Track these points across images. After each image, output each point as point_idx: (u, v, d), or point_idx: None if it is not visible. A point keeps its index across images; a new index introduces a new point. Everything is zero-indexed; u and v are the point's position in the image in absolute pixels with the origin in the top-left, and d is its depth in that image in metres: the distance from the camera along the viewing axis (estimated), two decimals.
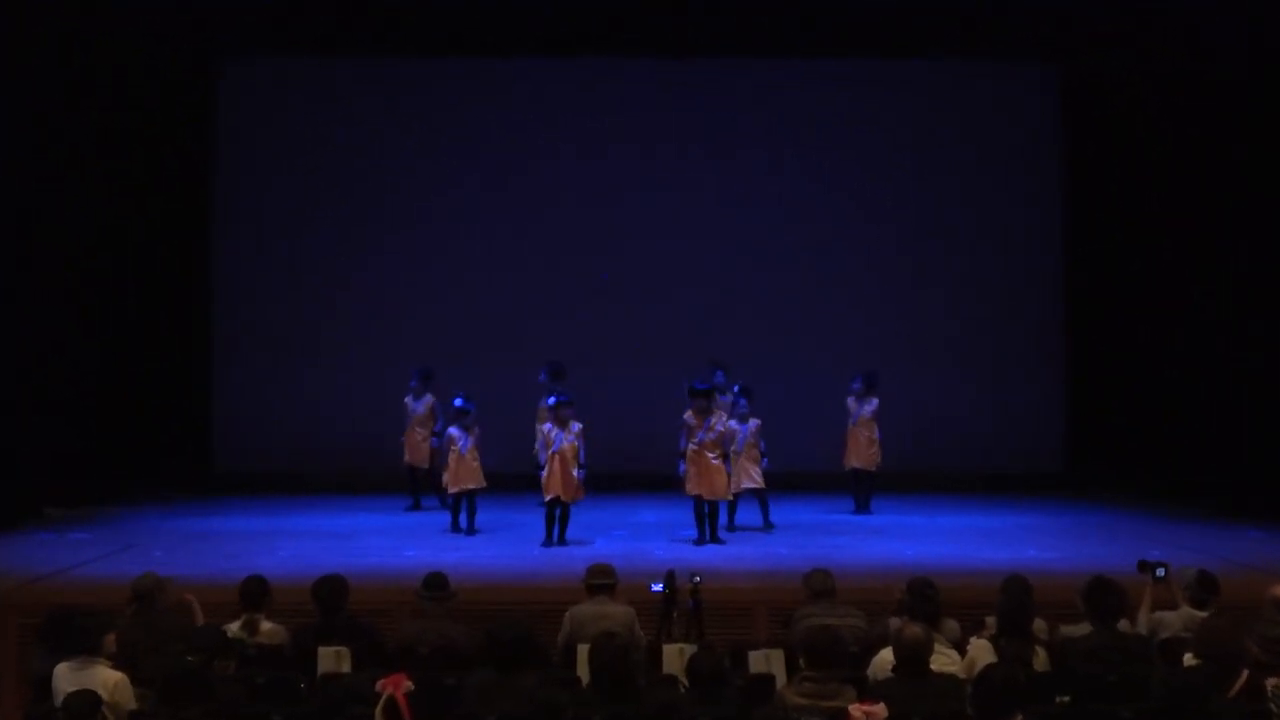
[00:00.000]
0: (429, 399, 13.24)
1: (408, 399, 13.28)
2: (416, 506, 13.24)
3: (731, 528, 11.81)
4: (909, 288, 15.42)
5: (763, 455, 11.93)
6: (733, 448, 11.70)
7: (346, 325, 15.17)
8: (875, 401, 13.29)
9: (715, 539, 11.26)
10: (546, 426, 11.30)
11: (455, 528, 11.91)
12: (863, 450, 13.22)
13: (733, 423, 11.78)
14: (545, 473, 11.21)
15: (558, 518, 11.20)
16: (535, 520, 12.34)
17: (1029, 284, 15.53)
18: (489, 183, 15.33)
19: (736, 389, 11.97)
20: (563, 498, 11.15)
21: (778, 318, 15.30)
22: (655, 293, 15.28)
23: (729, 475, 11.31)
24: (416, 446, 13.21)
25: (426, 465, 13.19)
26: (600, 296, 15.30)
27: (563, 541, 11.18)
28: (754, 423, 11.92)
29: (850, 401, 13.32)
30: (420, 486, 13.26)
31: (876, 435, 13.21)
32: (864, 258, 15.44)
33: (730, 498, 11.35)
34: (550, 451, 11.20)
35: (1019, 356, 15.45)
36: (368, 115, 15.34)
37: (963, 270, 15.48)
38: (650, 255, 15.30)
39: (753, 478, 11.84)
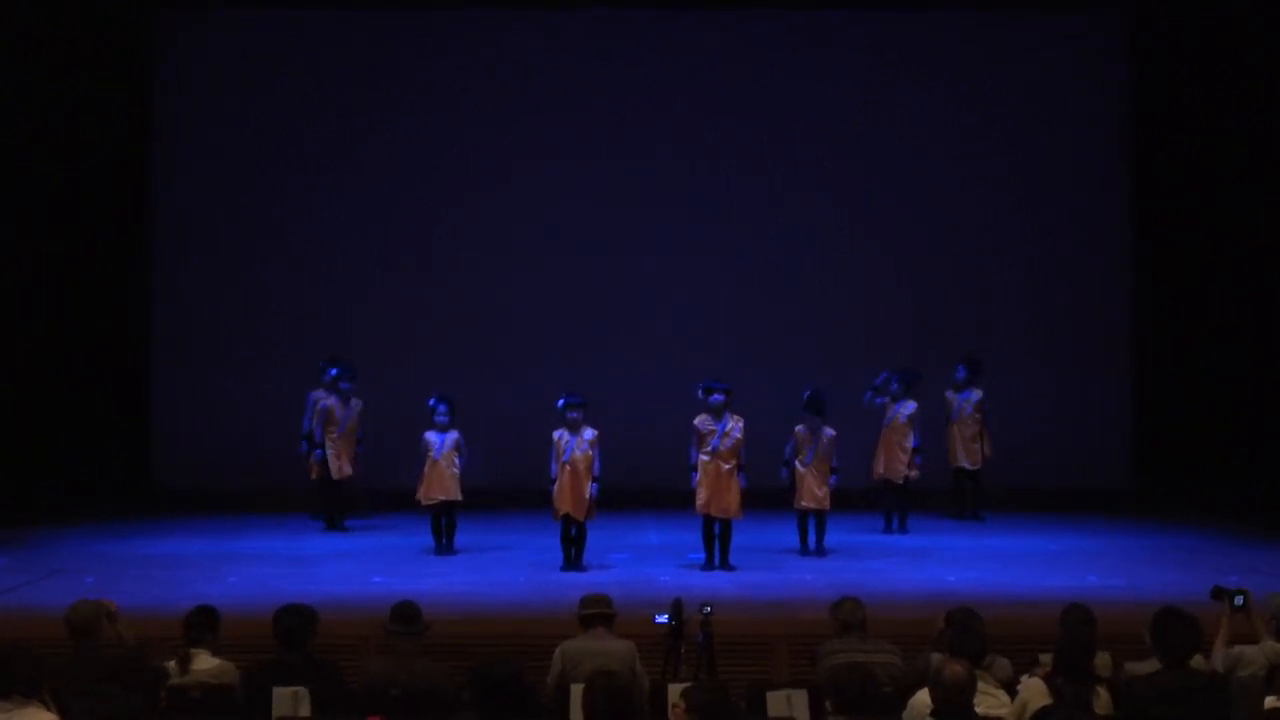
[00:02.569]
0: (358, 403, 13.32)
1: (331, 402, 13.22)
2: (336, 525, 13.29)
3: (820, 550, 11.95)
4: (952, 277, 15.39)
5: (832, 471, 12.01)
6: (800, 459, 11.89)
7: (301, 327, 15.13)
8: (913, 404, 13.32)
9: (726, 564, 11.30)
10: (558, 434, 11.37)
11: (441, 548, 11.99)
12: (896, 459, 13.27)
13: (802, 429, 11.94)
14: (555, 486, 11.28)
15: (573, 537, 11.28)
16: (522, 541, 12.42)
17: (1092, 271, 15.48)
18: (464, 165, 15.32)
19: (807, 395, 12.00)
20: (573, 515, 11.19)
21: (801, 311, 15.30)
22: (662, 282, 15.29)
23: (744, 489, 11.35)
24: (352, 457, 13.29)
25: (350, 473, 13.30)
26: (597, 286, 15.31)
27: (579, 566, 11.24)
28: (828, 433, 11.98)
29: (882, 402, 13.38)
30: (353, 503, 13.37)
31: (912, 443, 13.27)
32: (901, 243, 15.41)
33: (742, 515, 11.39)
34: (561, 461, 11.27)
35: (1079, 354, 15.41)
36: (325, 88, 15.34)
37: (1014, 257, 15.44)
38: (658, 240, 15.31)
39: (815, 496, 11.91)
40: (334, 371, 13.27)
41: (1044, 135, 15.45)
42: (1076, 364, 15.40)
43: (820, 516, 12.03)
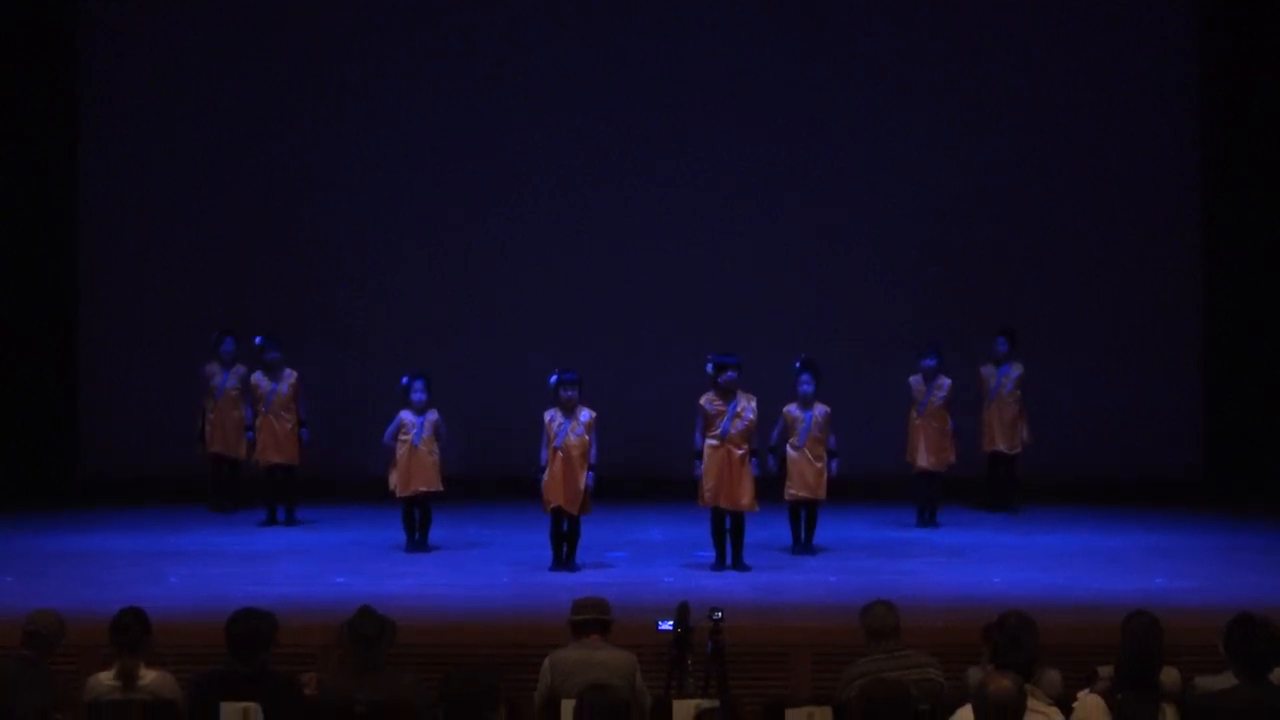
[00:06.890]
0: (290, 375, 13.35)
1: (255, 375, 13.38)
2: (277, 519, 13.31)
3: (809, 546, 11.99)
4: (995, 245, 15.35)
5: (831, 454, 12.02)
6: (791, 441, 11.85)
7: (242, 300, 15.08)
8: (947, 382, 13.35)
9: (739, 563, 11.32)
10: (549, 415, 11.37)
11: (412, 545, 12.02)
12: (933, 445, 13.31)
13: (792, 408, 11.89)
14: (545, 475, 11.30)
15: (565, 533, 11.30)
16: (505, 537, 12.45)
17: (1157, 240, 15.41)
18: (436, 120, 15.32)
19: (799, 363, 12.02)
20: (566, 508, 11.21)
21: (824, 282, 15.29)
22: (666, 253, 15.28)
23: (756, 478, 11.36)
24: (282, 438, 13.33)
25: (295, 463, 13.34)
26: (593, 257, 15.31)
27: (571, 565, 11.27)
28: (821, 409, 11.98)
29: (915, 382, 13.41)
30: (288, 492, 13.38)
31: (950, 426, 13.32)
32: (940, 206, 15.37)
33: (756, 508, 11.40)
34: (552, 446, 11.29)
35: (1143, 331, 15.36)
36: (273, 41, 15.36)
37: (1069, 223, 15.40)
38: (663, 205, 15.31)
39: (808, 483, 11.91)
40: (259, 340, 13.38)
41: (1105, 100, 15.40)
42: (1138, 337, 15.37)
43: (812, 508, 12.03)
